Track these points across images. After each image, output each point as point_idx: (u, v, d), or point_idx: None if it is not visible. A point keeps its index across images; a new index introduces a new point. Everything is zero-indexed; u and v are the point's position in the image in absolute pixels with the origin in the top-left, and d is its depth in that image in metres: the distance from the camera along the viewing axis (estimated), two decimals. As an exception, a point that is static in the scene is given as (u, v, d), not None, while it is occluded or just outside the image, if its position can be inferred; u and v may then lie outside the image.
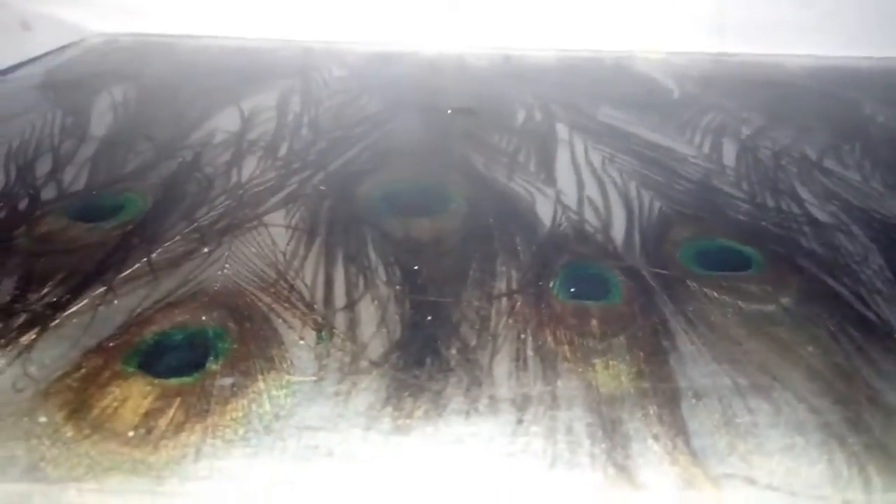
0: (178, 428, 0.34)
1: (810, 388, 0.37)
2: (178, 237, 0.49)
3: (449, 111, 0.72)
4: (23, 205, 0.53)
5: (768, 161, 0.64)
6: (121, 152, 0.62)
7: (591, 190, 0.57)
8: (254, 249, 0.48)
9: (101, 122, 0.68)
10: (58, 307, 0.42)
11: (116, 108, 0.72)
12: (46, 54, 0.90)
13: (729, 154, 0.65)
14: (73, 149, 0.62)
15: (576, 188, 0.57)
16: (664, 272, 0.46)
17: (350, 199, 0.55)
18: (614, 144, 0.66)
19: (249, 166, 0.60)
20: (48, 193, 0.55)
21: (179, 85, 0.81)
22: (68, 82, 0.80)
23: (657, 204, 0.55)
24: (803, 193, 0.58)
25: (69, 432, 0.34)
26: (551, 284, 0.45)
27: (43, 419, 0.34)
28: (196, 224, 0.51)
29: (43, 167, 0.59)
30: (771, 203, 0.56)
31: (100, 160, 0.61)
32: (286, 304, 0.43)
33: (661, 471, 0.33)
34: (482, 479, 0.33)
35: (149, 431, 0.34)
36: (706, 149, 0.67)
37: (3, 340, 0.39)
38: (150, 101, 0.75)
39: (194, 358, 0.38)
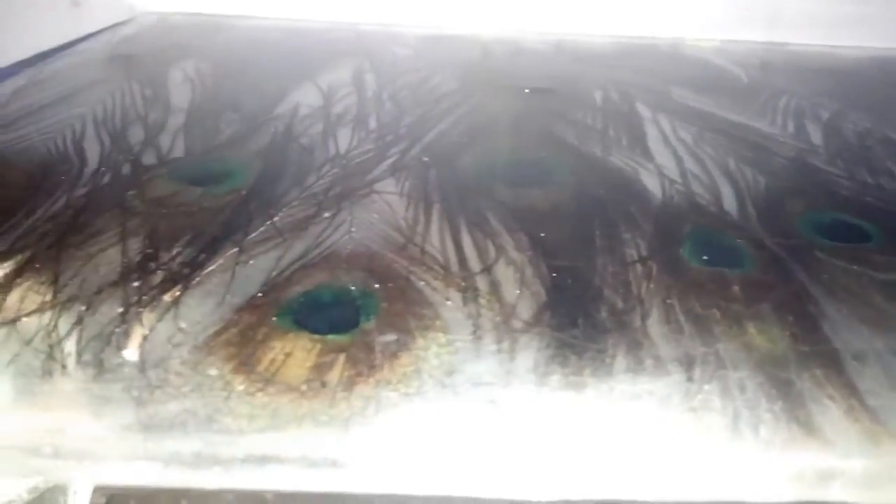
0: (351, 382, 0.34)
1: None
2: (295, 202, 0.48)
3: (527, 90, 0.71)
4: (126, 169, 0.53)
5: (855, 141, 0.64)
6: (210, 122, 0.61)
7: (691, 165, 0.57)
8: (375, 215, 0.48)
9: (180, 94, 0.67)
10: (194, 266, 0.41)
11: (192, 82, 0.71)
12: (102, 31, 0.89)
13: (815, 134, 0.65)
14: (162, 118, 0.61)
15: (675, 163, 0.57)
16: (791, 242, 0.46)
17: (455, 170, 0.54)
18: (699, 124, 0.66)
19: (344, 138, 0.59)
20: (148, 159, 0.54)
21: (248, 61, 0.80)
22: (136, 56, 0.79)
23: (761, 179, 0.55)
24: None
25: (240, 385, 0.33)
26: (683, 252, 0.45)
27: (213, 372, 0.34)
28: (310, 190, 0.50)
29: (135, 135, 0.58)
30: (871, 180, 0.56)
31: (191, 129, 0.60)
32: (423, 267, 0.42)
33: (844, 428, 0.32)
34: (663, 435, 0.32)
35: (322, 385, 0.33)
36: (791, 129, 0.67)
37: (146, 297, 0.38)
38: (225, 76, 0.74)
39: (346, 316, 0.38)
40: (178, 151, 0.56)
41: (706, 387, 0.34)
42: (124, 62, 0.77)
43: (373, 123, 0.63)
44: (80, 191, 0.49)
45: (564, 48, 0.94)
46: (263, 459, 0.30)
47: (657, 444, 0.32)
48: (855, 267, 0.44)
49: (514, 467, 0.32)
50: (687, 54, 0.93)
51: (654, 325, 0.38)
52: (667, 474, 0.32)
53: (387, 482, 0.31)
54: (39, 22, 0.98)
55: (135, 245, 0.43)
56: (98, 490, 0.31)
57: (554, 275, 0.42)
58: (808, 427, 0.32)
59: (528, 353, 0.36)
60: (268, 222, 0.46)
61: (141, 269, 0.41)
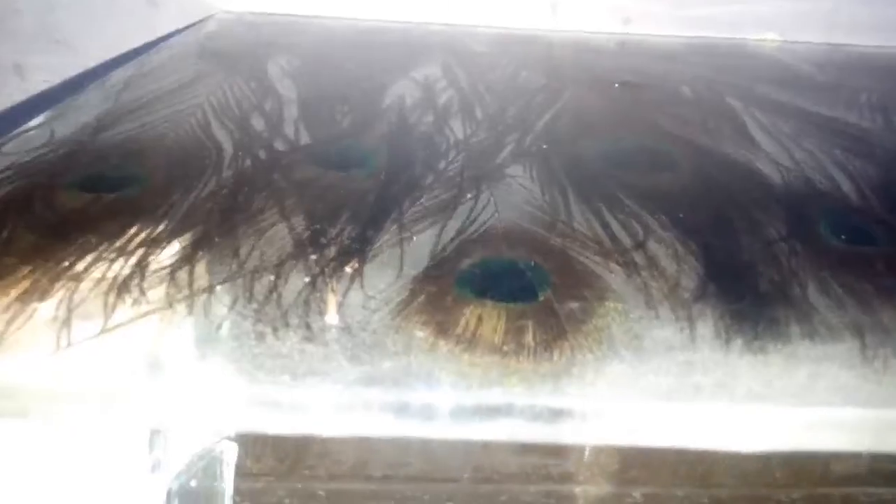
0: (547, 345, 0.35)
1: None
2: (435, 185, 0.50)
3: (616, 84, 0.73)
4: (263, 154, 0.54)
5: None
6: (325, 113, 0.63)
7: (800, 155, 0.59)
8: (515, 198, 0.49)
9: (285, 87, 0.69)
10: (363, 241, 0.43)
11: (293, 76, 0.73)
12: (184, 29, 0.91)
13: (905, 127, 0.67)
14: (277, 108, 0.63)
15: (783, 152, 0.59)
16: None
17: (575, 156, 0.56)
18: (795, 117, 0.68)
19: (458, 126, 0.61)
20: (280, 146, 0.56)
21: (337, 57, 0.82)
22: (228, 52, 0.81)
23: (870, 167, 0.57)
24: None
25: (446, 346, 0.35)
26: (820, 231, 0.47)
27: (420, 334, 0.35)
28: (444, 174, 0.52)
29: (258, 123, 0.60)
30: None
31: (310, 119, 0.62)
32: (578, 243, 0.44)
33: None
34: (856, 401, 0.34)
35: (520, 345, 0.35)
36: (880, 122, 0.68)
37: (328, 269, 0.40)
38: (320, 72, 0.76)
39: (522, 286, 0.40)
40: (305, 139, 0.58)
41: (881, 350, 0.36)
42: (217, 57, 0.79)
43: (479, 114, 0.64)
44: (227, 173, 0.51)
45: (629, 47, 0.96)
46: (483, 412, 0.32)
47: (844, 404, 0.34)
48: None
49: (711, 423, 0.33)
50: (751, 54, 0.95)
51: (816, 296, 0.40)
52: (858, 430, 0.33)
53: (596, 434, 0.33)
54: (118, 22, 1.00)
55: (298, 222, 0.45)
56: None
57: (701, 251, 0.43)
58: None
59: (706, 321, 0.37)
60: (417, 202, 0.48)
61: (313, 243, 0.43)
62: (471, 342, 0.35)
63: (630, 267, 0.42)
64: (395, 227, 0.45)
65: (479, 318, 0.37)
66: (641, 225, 0.46)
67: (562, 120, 0.64)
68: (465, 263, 0.42)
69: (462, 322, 0.37)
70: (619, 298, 0.39)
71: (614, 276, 0.41)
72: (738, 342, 0.36)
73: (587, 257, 0.43)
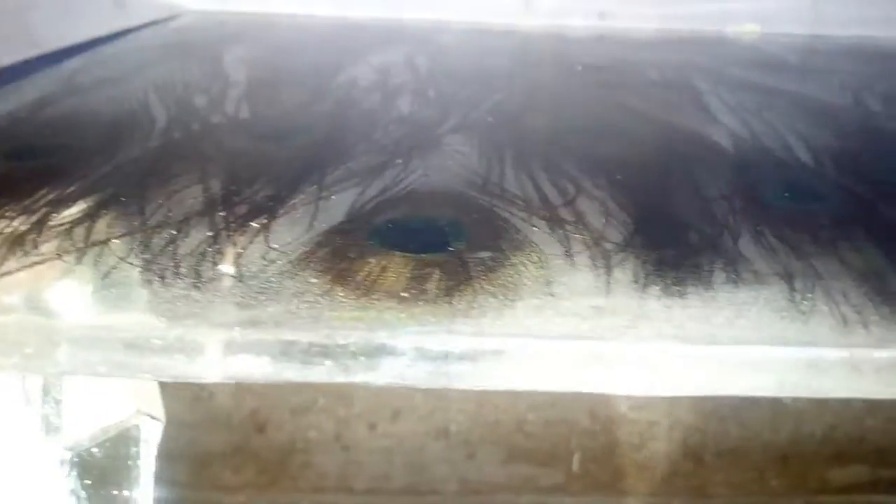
0: (450, 290, 0.33)
1: None
2: (367, 151, 0.49)
3: (579, 67, 0.72)
4: (196, 126, 0.53)
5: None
6: (271, 91, 0.62)
7: (759, 126, 0.56)
8: (449, 162, 0.48)
9: (238, 71, 0.68)
10: (277, 200, 0.41)
11: (249, 62, 0.72)
12: (150, 24, 0.90)
13: (875, 103, 0.65)
14: (223, 88, 0.62)
15: (742, 124, 0.57)
16: (874, 183, 0.46)
17: (522, 127, 0.55)
18: (760, 94, 0.66)
19: (405, 104, 0.59)
20: (217, 120, 0.55)
21: (301, 47, 0.81)
22: (189, 43, 0.80)
23: (831, 136, 0.55)
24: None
25: (341, 292, 0.33)
26: (765, 190, 0.44)
27: (313, 280, 0.33)
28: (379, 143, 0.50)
29: (200, 101, 0.59)
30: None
31: (255, 97, 0.60)
32: (504, 201, 0.42)
33: (959, 328, 0.32)
34: (772, 340, 0.32)
35: (422, 292, 0.33)
36: (849, 99, 0.66)
37: (234, 224, 0.38)
38: (280, 58, 0.75)
39: (436, 240, 0.38)
40: (245, 114, 0.56)
41: (810, 295, 0.34)
42: (178, 48, 0.78)
43: (432, 93, 0.63)
44: (154, 143, 0.50)
45: (607, 38, 0.94)
46: (372, 353, 0.30)
47: (763, 352, 0.32)
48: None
49: (624, 368, 0.31)
50: (730, 43, 0.94)
51: (747, 246, 0.38)
52: (779, 372, 0.31)
53: (494, 378, 0.31)
54: (87, 24, 1.00)
55: (215, 185, 0.43)
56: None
57: (635, 209, 0.41)
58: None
59: (626, 268, 0.35)
60: (343, 167, 0.46)
61: (225, 202, 0.41)
62: (369, 289, 0.33)
63: (554, 222, 0.40)
64: (314, 188, 0.43)
65: (384, 268, 0.35)
66: (575, 185, 0.44)
67: (515, 98, 0.62)
68: (381, 219, 0.39)
69: (364, 271, 0.35)
70: (535, 249, 0.37)
71: (536, 230, 0.39)
72: (655, 287, 0.34)
73: (511, 213, 0.41)
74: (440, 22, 0.98)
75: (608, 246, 0.38)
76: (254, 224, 0.39)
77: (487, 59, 0.77)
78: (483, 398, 1.05)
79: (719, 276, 0.35)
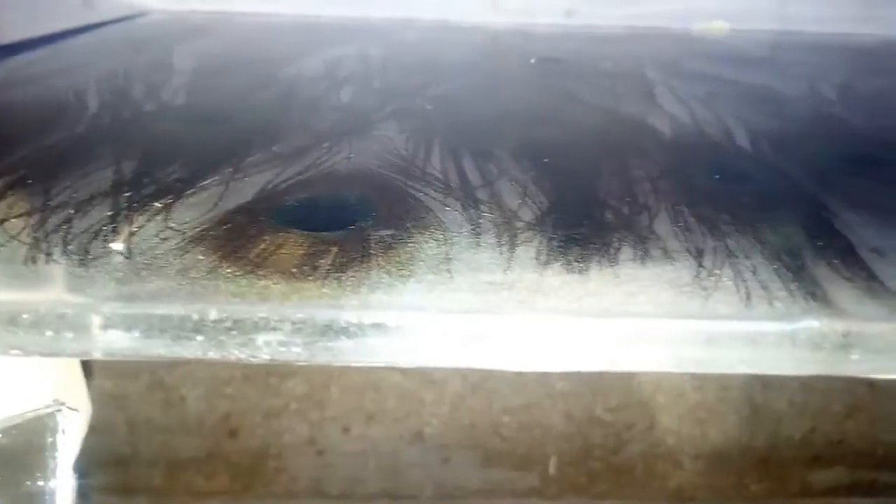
0: (343, 267, 0.32)
1: None
2: (296, 135, 0.48)
3: (533, 60, 0.71)
4: (126, 114, 0.52)
5: (871, 95, 0.63)
6: (213, 81, 0.61)
7: (703, 114, 0.55)
8: (375, 146, 0.47)
9: (185, 61, 0.67)
10: (189, 181, 0.40)
11: (200, 55, 0.71)
12: (113, 21, 0.90)
13: (829, 91, 0.64)
14: (165, 78, 0.61)
15: (686, 112, 0.56)
16: (808, 165, 0.45)
17: (460, 115, 0.54)
18: (711, 83, 0.65)
19: (347, 93, 0.59)
20: (149, 107, 0.54)
21: (257, 41, 0.80)
22: (145, 37, 0.79)
23: (775, 122, 0.54)
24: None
25: (228, 269, 0.32)
26: (693, 172, 0.43)
27: (200, 257, 0.32)
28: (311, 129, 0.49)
29: (138, 91, 0.58)
30: (889, 123, 0.55)
31: (195, 86, 0.60)
32: (422, 182, 0.41)
33: (864, 302, 0.31)
34: (677, 314, 0.30)
35: (314, 268, 0.32)
36: (804, 87, 0.65)
37: (137, 204, 0.37)
38: (232, 51, 0.74)
39: (342, 218, 0.37)
40: (180, 102, 0.56)
41: (717, 271, 0.33)
42: (135, 43, 0.78)
43: (377, 84, 0.62)
44: (79, 128, 0.49)
45: (573, 36, 0.93)
46: (246, 328, 0.29)
47: (668, 326, 0.30)
48: (871, 182, 0.43)
49: (515, 342, 0.30)
50: (697, 39, 0.93)
51: (662, 225, 0.37)
52: (675, 346, 0.30)
53: (379, 354, 0.29)
54: (54, 23, 0.99)
55: (130, 167, 0.42)
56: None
57: (554, 189, 0.40)
58: (825, 301, 0.30)
59: (530, 246, 0.34)
60: (266, 150, 0.45)
61: (134, 183, 0.40)
62: (258, 266, 0.32)
63: (469, 202, 0.39)
64: (229, 170, 0.42)
65: (279, 246, 0.34)
66: (499, 168, 0.43)
67: (462, 88, 0.61)
68: (290, 199, 0.38)
69: (258, 248, 0.34)
70: (441, 228, 0.36)
71: (448, 210, 0.38)
72: (557, 264, 0.33)
73: (426, 194, 0.40)
74: (407, 20, 0.97)
75: (518, 225, 0.37)
76: (157, 204, 0.38)
77: (444, 53, 0.76)
78: (457, 401, 1.03)
79: (627, 253, 0.34)
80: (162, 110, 0.53)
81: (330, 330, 0.29)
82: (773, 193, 0.41)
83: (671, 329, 0.30)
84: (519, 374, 1.13)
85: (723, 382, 1.08)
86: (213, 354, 0.29)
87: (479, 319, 0.30)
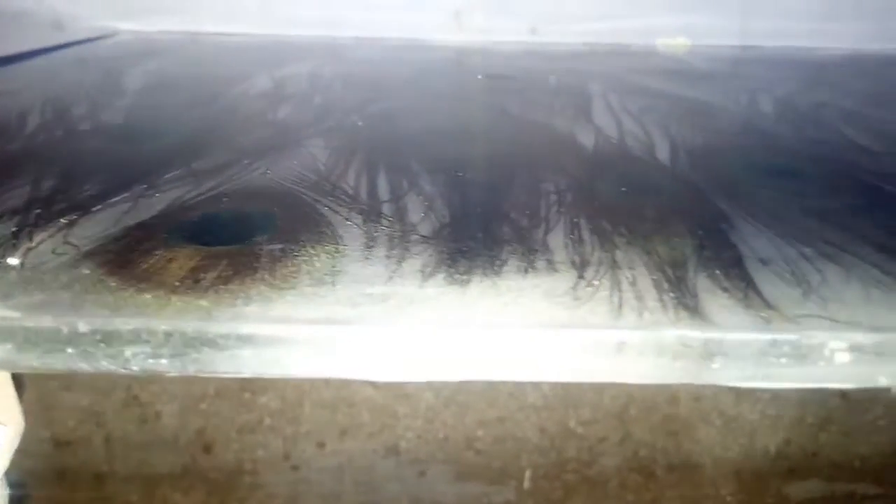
0: (227, 280, 0.33)
1: (880, 256, 0.36)
2: (220, 151, 0.48)
3: (480, 76, 0.71)
4: (59, 133, 0.53)
5: (808, 110, 0.63)
6: (156, 100, 0.62)
7: (631, 127, 0.56)
8: (295, 161, 0.47)
9: (134, 81, 0.68)
10: (100, 198, 0.41)
11: (153, 74, 0.72)
12: (83, 41, 0.91)
13: (766, 105, 0.65)
14: (108, 99, 0.62)
15: (615, 125, 0.56)
16: (719, 177, 0.45)
17: (389, 131, 0.54)
18: (649, 98, 0.65)
19: (286, 109, 0.59)
20: (84, 126, 0.55)
21: (213, 61, 0.81)
22: (108, 58, 0.81)
23: (700, 135, 0.54)
24: (848, 131, 0.57)
25: (112, 282, 0.32)
26: (602, 185, 0.44)
27: (86, 271, 0.33)
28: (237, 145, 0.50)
29: (79, 110, 0.59)
30: (815, 135, 0.55)
31: (136, 106, 0.60)
32: (331, 197, 0.42)
33: (736, 312, 0.31)
34: (548, 324, 0.31)
35: (196, 281, 0.32)
36: (743, 101, 0.66)
37: (43, 221, 0.38)
38: (188, 70, 0.75)
39: (241, 233, 0.37)
40: (118, 121, 0.56)
41: (595, 282, 0.33)
42: (94, 63, 0.79)
43: (318, 100, 0.63)
44: (12, 146, 0.50)
45: (536, 53, 0.94)
46: (114, 339, 0.29)
47: (539, 335, 0.31)
48: (785, 196, 0.43)
49: (383, 353, 0.30)
50: (655, 54, 0.93)
51: (556, 237, 0.37)
52: (536, 354, 0.30)
53: (248, 366, 0.30)
54: (22, 32, 1.00)
55: (48, 184, 0.43)
56: None
57: (460, 204, 0.41)
58: (694, 311, 0.31)
59: (419, 259, 0.35)
60: (185, 167, 0.46)
61: (47, 200, 0.41)
62: (141, 279, 0.33)
63: (371, 216, 0.39)
64: (143, 186, 0.42)
65: (169, 260, 0.35)
66: (410, 183, 0.44)
67: (401, 104, 0.62)
68: (193, 215, 0.39)
69: (147, 263, 0.34)
70: (336, 241, 0.36)
71: (349, 224, 0.38)
72: (438, 277, 0.33)
73: (330, 209, 0.40)
74: (374, 39, 0.99)
75: (413, 238, 0.37)
76: (62, 220, 0.38)
77: (398, 71, 0.77)
78: (431, 415, 1.04)
79: (512, 265, 0.35)
80: (96, 129, 0.54)
81: (197, 342, 0.30)
82: (676, 206, 0.41)
83: (540, 339, 0.30)
84: (491, 387, 1.14)
85: (694, 394, 1.08)
86: (84, 366, 0.30)
87: (349, 330, 0.30)
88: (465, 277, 0.34)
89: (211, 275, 0.33)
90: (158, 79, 0.70)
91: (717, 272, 0.34)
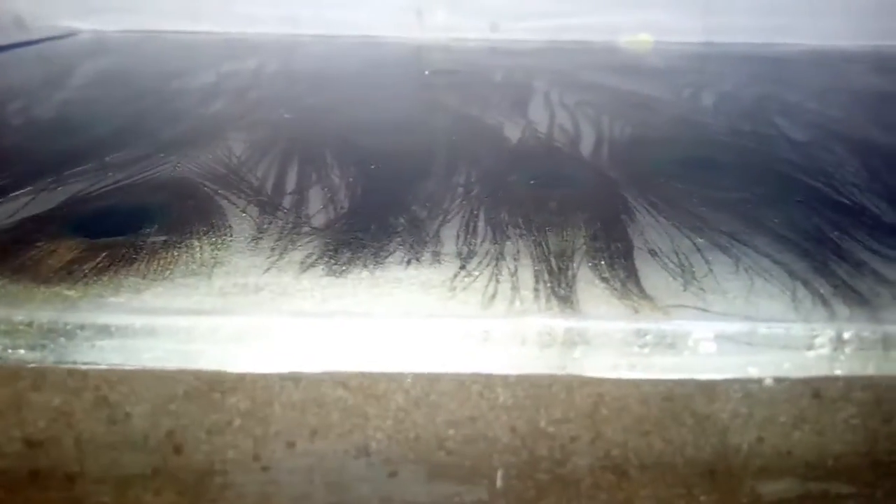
0: (101, 271, 0.32)
1: (775, 247, 0.35)
2: (139, 145, 0.48)
3: (426, 72, 0.71)
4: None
5: (748, 103, 0.63)
6: (93, 94, 0.62)
7: (563, 121, 0.56)
8: (210, 155, 0.47)
9: (79, 78, 0.68)
10: (3, 192, 0.41)
11: (102, 72, 0.72)
12: (45, 40, 0.91)
13: (708, 99, 0.64)
14: (49, 94, 0.62)
15: (547, 119, 0.56)
16: (632, 170, 0.45)
17: (316, 124, 0.54)
18: (589, 93, 0.65)
19: (219, 104, 0.59)
20: (17, 122, 0.54)
21: (169, 57, 0.81)
22: (63, 56, 0.80)
23: (629, 129, 0.54)
24: (781, 123, 0.56)
25: (-13, 274, 0.32)
26: (513, 178, 0.44)
27: (-43, 261, 0.33)
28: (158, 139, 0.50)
29: (15, 105, 0.59)
30: (748, 129, 0.55)
31: (72, 100, 0.60)
32: (233, 190, 0.41)
33: (608, 303, 0.31)
34: (418, 314, 0.31)
35: (70, 273, 0.32)
36: (685, 95, 0.65)
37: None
38: (138, 67, 0.75)
39: (130, 225, 0.37)
40: (50, 115, 0.56)
41: (476, 273, 0.33)
42: (48, 61, 0.79)
43: (253, 95, 0.62)
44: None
45: (496, 49, 0.94)
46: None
47: (409, 326, 0.30)
48: (692, 187, 0.43)
49: (246, 342, 0.30)
50: (616, 51, 0.93)
51: (450, 229, 0.37)
52: (415, 346, 0.30)
53: (106, 355, 0.30)
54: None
55: (-50, 178, 0.43)
56: None
57: (363, 196, 0.40)
58: (565, 301, 0.30)
59: (303, 250, 0.34)
60: (100, 160, 0.45)
61: (-56, 194, 0.40)
62: (17, 271, 0.32)
63: (268, 208, 0.39)
64: (49, 180, 0.42)
65: (51, 252, 0.34)
66: (319, 175, 0.43)
67: (337, 99, 0.62)
68: (90, 207, 0.39)
69: (28, 255, 0.34)
70: (224, 233, 0.36)
71: (243, 216, 0.38)
72: (318, 268, 0.33)
73: (230, 201, 0.40)
74: (332, 36, 0.98)
75: (304, 230, 0.37)
76: (-49, 214, 0.38)
77: (347, 67, 0.77)
78: (401, 415, 1.04)
79: (397, 257, 0.34)
80: (26, 123, 0.54)
81: (54, 333, 0.29)
82: (581, 198, 0.41)
83: (406, 329, 0.30)
84: (461, 387, 1.13)
85: (665, 394, 1.08)
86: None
87: (211, 321, 0.30)
88: (344, 269, 0.33)
89: (87, 266, 0.33)
90: (105, 75, 0.70)
91: (602, 263, 0.34)
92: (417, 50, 0.93)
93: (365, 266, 0.33)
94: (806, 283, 0.32)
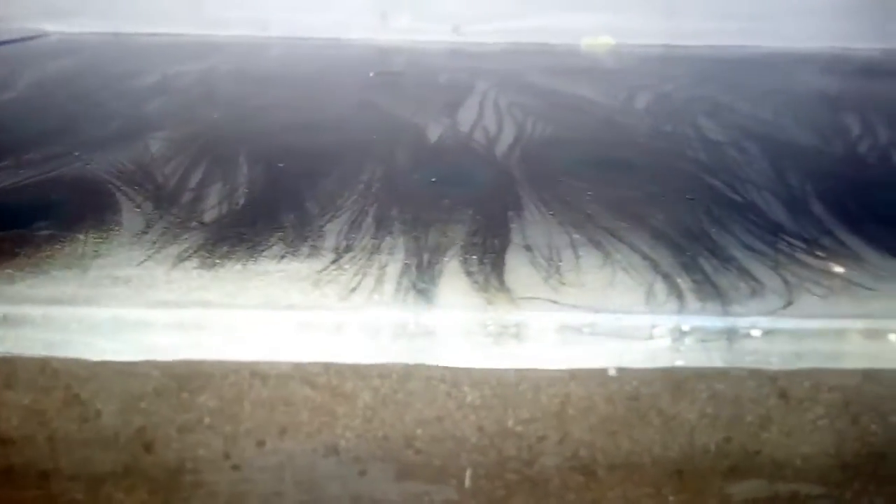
0: (-17, 264, 0.33)
1: (650, 243, 0.36)
2: (59, 142, 0.49)
3: (371, 74, 0.72)
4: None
5: (679, 105, 0.64)
6: (42, 95, 0.63)
7: (489, 122, 0.56)
8: (124, 153, 0.48)
9: (31, 78, 0.69)
10: None
11: (54, 71, 0.73)
12: (12, 42, 0.92)
13: (641, 101, 0.65)
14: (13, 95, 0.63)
15: (473, 119, 0.57)
16: (536, 169, 0.45)
17: (243, 124, 0.55)
18: (525, 94, 0.66)
19: (156, 104, 0.60)
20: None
21: (129, 58, 0.82)
22: (23, 57, 0.82)
23: (549, 129, 0.54)
24: (704, 124, 0.57)
25: None
26: (415, 177, 0.44)
27: None
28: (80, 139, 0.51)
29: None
30: (669, 129, 0.55)
31: (20, 100, 0.61)
32: (135, 187, 0.42)
33: (464, 295, 0.31)
34: (274, 305, 0.31)
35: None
36: (621, 98, 0.66)
37: None
38: (93, 68, 0.76)
39: (23, 220, 0.38)
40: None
41: (346, 267, 0.33)
42: (9, 61, 0.80)
43: (194, 94, 0.63)
44: None
45: (458, 51, 0.95)
46: None
47: (270, 317, 0.31)
48: (590, 185, 0.43)
49: (114, 333, 0.31)
50: (578, 53, 0.94)
51: (335, 225, 0.38)
52: (275, 336, 0.31)
53: None
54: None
55: None
56: None
57: (263, 194, 0.41)
58: (423, 293, 0.31)
59: (182, 244, 0.35)
60: (16, 157, 0.46)
61: None
62: None
63: (163, 205, 0.40)
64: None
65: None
66: (225, 173, 0.44)
67: (278, 99, 0.63)
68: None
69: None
70: (112, 228, 0.37)
71: (136, 212, 0.39)
72: (192, 261, 0.34)
73: (128, 197, 0.41)
74: (298, 39, 0.99)
75: (192, 225, 0.38)
76: None
77: (299, 68, 0.78)
78: (369, 414, 1.04)
79: (273, 252, 0.35)
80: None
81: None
82: (476, 196, 0.42)
83: (267, 319, 0.31)
84: (429, 387, 1.14)
85: (631, 394, 1.08)
86: None
87: (75, 311, 0.31)
88: (217, 262, 0.34)
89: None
90: (58, 76, 0.71)
91: (473, 258, 0.34)
92: (380, 53, 0.94)
93: (239, 260, 0.34)
94: (666, 278, 0.33)
